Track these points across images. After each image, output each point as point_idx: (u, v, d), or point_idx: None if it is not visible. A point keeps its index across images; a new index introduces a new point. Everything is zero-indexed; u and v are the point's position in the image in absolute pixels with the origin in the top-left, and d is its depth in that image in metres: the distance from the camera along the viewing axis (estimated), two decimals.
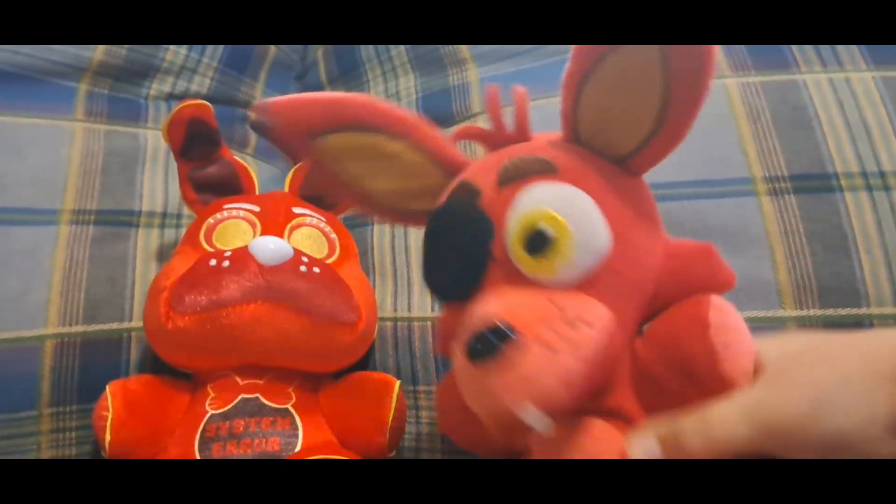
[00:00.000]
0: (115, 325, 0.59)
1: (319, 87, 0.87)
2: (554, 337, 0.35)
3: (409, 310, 0.62)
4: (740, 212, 0.56)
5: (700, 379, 0.35)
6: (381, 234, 0.68)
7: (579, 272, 0.37)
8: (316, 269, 0.54)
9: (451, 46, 0.75)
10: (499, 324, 0.35)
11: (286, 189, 0.65)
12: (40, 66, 0.68)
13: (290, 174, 0.66)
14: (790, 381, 0.33)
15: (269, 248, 0.53)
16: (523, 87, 0.43)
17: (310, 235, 0.59)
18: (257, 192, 0.64)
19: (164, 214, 0.66)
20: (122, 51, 0.72)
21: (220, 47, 0.79)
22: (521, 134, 0.43)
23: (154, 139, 0.70)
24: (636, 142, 0.39)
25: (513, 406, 0.33)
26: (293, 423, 0.52)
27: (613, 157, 0.40)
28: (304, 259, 0.54)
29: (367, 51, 0.82)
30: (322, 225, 0.61)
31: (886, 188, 0.54)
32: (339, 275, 0.57)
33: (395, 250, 0.66)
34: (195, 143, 0.60)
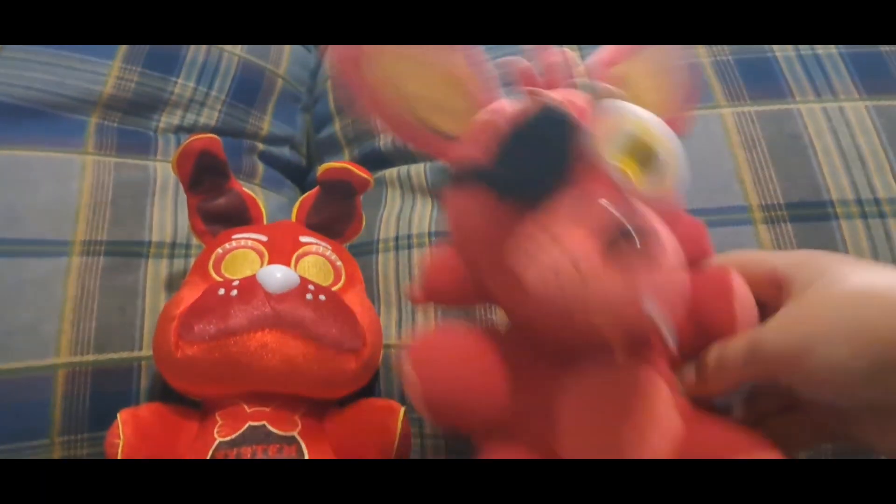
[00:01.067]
0: (125, 354, 0.60)
1: (329, 117, 0.88)
2: (674, 248, 0.36)
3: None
4: (737, 240, 0.56)
5: (717, 333, 0.40)
6: (386, 261, 0.68)
7: (675, 197, 0.37)
8: (322, 297, 0.55)
9: None
10: (647, 227, 0.34)
11: (293, 218, 0.66)
12: (52, 101, 0.70)
13: (297, 204, 0.67)
14: (788, 315, 0.38)
15: (276, 276, 0.54)
16: None
17: (316, 263, 0.60)
18: (265, 222, 0.65)
19: (174, 245, 0.67)
20: (131, 84, 0.74)
21: (229, 80, 0.81)
22: None
23: (163, 171, 0.71)
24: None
25: (650, 303, 0.32)
26: (299, 450, 0.52)
27: None
28: (311, 287, 0.55)
29: None
30: (328, 253, 0.62)
31: (881, 215, 0.55)
32: (345, 302, 0.57)
33: (399, 278, 0.67)
34: (204, 175, 0.62)
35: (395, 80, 0.41)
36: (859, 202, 0.56)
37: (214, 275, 0.57)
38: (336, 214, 0.67)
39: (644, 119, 0.37)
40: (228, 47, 0.82)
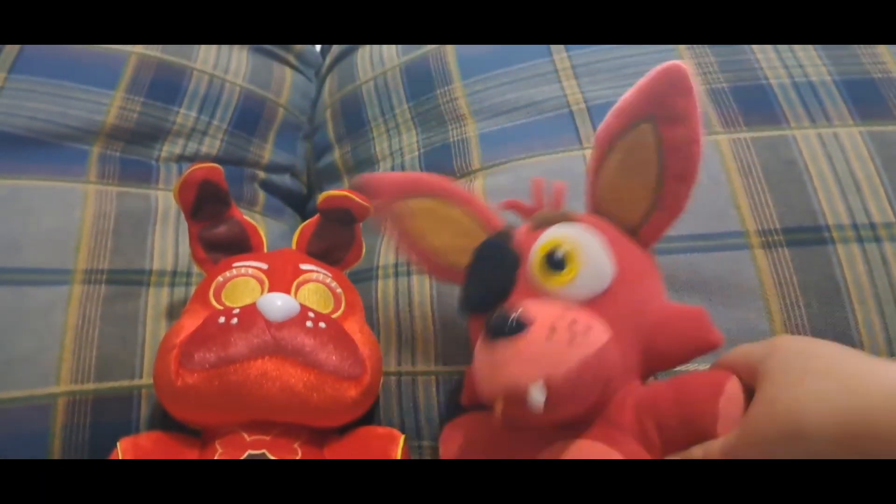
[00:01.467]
0: (125, 383, 0.60)
1: (329, 146, 0.89)
2: (559, 328, 0.41)
3: (413, 364, 0.63)
4: (735, 265, 0.57)
5: (699, 431, 0.40)
6: (385, 288, 0.69)
7: (587, 290, 0.45)
8: (322, 324, 0.55)
9: (450, 103, 0.77)
10: (520, 310, 0.42)
11: (294, 246, 0.67)
12: (55, 131, 0.71)
13: (297, 231, 0.67)
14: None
15: (277, 304, 0.54)
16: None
17: (316, 291, 0.60)
18: (266, 250, 0.65)
19: (175, 273, 0.67)
20: (133, 114, 0.75)
21: (230, 110, 0.82)
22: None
23: (165, 200, 0.72)
24: (640, 216, 0.48)
25: (518, 379, 0.40)
26: None
27: (626, 228, 0.49)
28: (311, 314, 0.55)
29: (372, 110, 0.84)
30: (328, 280, 0.62)
31: (877, 239, 0.56)
32: (345, 329, 0.58)
33: (398, 305, 0.67)
34: (205, 204, 0.62)
35: (425, 235, 0.57)
36: (855, 227, 0.56)
37: (215, 303, 0.58)
38: (336, 242, 0.67)
39: (554, 235, 0.47)
40: (230, 77, 0.83)
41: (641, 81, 0.46)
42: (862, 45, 0.64)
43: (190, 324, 0.56)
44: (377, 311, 0.68)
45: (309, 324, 0.54)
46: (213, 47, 0.84)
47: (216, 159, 0.79)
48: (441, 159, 0.75)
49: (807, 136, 0.60)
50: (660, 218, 0.47)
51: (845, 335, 0.53)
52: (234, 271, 0.60)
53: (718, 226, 0.58)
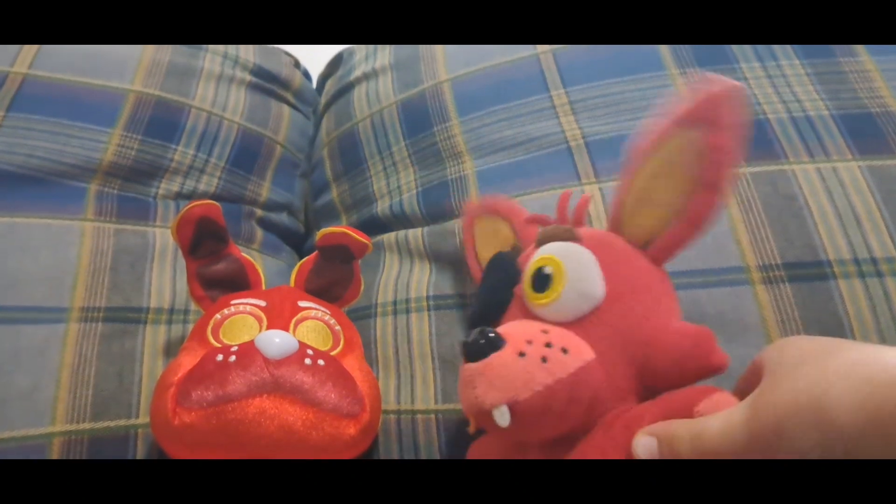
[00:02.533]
0: (122, 422, 0.59)
1: (326, 185, 0.90)
2: (531, 349, 0.42)
3: (413, 402, 0.62)
4: (736, 300, 0.56)
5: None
6: (384, 326, 0.68)
7: (571, 311, 0.45)
8: (321, 362, 0.54)
9: (448, 140, 0.77)
10: (490, 333, 0.43)
11: (292, 283, 0.66)
12: (52, 168, 0.70)
13: (295, 269, 0.67)
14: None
15: (275, 341, 0.53)
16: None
17: (315, 328, 0.60)
18: (264, 287, 0.65)
19: (172, 311, 0.67)
20: (131, 152, 0.75)
21: (228, 147, 0.82)
22: (577, 225, 0.52)
23: (162, 237, 0.71)
24: (661, 224, 0.46)
25: (483, 401, 0.41)
26: None
27: (642, 243, 0.47)
28: (310, 351, 0.55)
29: (369, 148, 0.85)
30: (327, 318, 0.61)
31: (879, 274, 0.55)
32: (344, 367, 0.57)
33: (397, 342, 0.66)
34: (203, 241, 0.62)
35: (481, 248, 0.62)
36: (856, 262, 0.56)
37: (213, 340, 0.57)
38: (334, 279, 0.67)
39: (544, 253, 0.48)
40: (228, 115, 0.83)
41: (699, 93, 0.45)
42: (859, 80, 0.65)
43: (187, 362, 0.55)
44: (376, 348, 0.67)
45: (307, 361, 0.54)
46: (211, 84, 0.84)
47: (214, 197, 0.79)
48: (439, 197, 0.75)
49: (806, 171, 0.61)
50: (678, 230, 0.45)
51: None
52: (232, 309, 0.59)
53: (719, 261, 0.58)
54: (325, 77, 1.03)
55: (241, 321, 0.58)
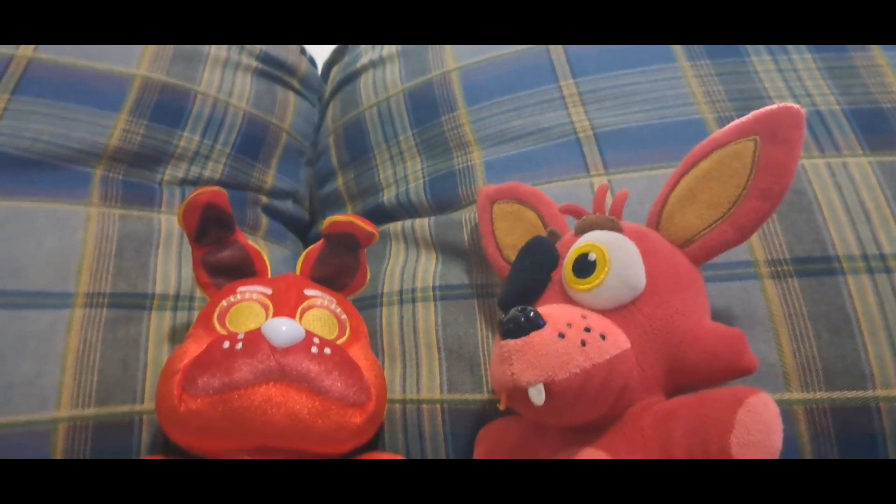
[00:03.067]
0: (126, 408, 0.59)
1: (332, 173, 0.89)
2: (570, 332, 0.42)
3: (419, 392, 0.62)
4: (744, 295, 0.56)
5: (707, 436, 0.39)
6: (390, 315, 0.68)
7: (612, 299, 0.46)
8: (327, 350, 0.54)
9: (455, 130, 0.77)
10: (530, 312, 0.43)
11: (298, 271, 0.66)
12: (57, 153, 0.70)
13: (301, 257, 0.66)
14: None
15: (282, 329, 0.53)
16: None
17: (320, 317, 0.60)
18: (270, 275, 0.65)
19: (177, 297, 0.67)
20: (137, 137, 0.74)
21: (234, 134, 0.82)
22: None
23: (167, 223, 0.71)
24: (705, 224, 0.48)
25: (519, 378, 0.41)
26: None
27: (681, 241, 0.49)
28: (316, 340, 0.54)
29: (375, 137, 0.84)
30: (333, 306, 0.61)
31: (887, 270, 0.55)
32: (350, 356, 0.57)
33: (403, 332, 0.66)
34: (210, 228, 0.62)
35: (503, 233, 0.62)
36: (865, 257, 0.56)
37: (219, 328, 0.57)
38: (340, 267, 0.67)
39: (588, 240, 0.49)
40: (234, 101, 0.83)
41: (760, 110, 0.47)
42: (871, 75, 0.65)
43: (193, 349, 0.55)
44: (382, 337, 0.67)
45: (314, 349, 0.53)
46: (217, 70, 0.84)
47: (219, 183, 0.79)
48: (447, 187, 0.75)
49: (816, 166, 0.60)
50: (722, 231, 0.47)
51: (856, 367, 0.53)
52: (239, 296, 0.59)
53: (728, 255, 0.57)
54: (330, 64, 1.03)
55: (248, 309, 0.58)
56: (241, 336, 0.53)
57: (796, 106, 0.46)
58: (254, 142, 0.84)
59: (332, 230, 0.65)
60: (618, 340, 0.44)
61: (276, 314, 0.57)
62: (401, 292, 0.69)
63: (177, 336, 0.64)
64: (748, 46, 0.69)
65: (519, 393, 0.42)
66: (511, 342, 0.42)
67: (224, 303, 0.59)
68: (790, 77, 0.66)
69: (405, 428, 0.62)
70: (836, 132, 0.62)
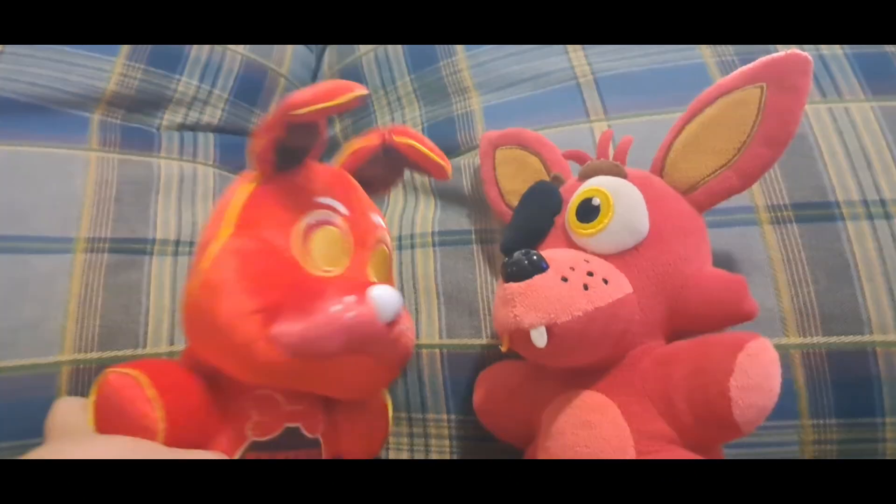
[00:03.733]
0: (129, 352, 0.60)
1: (329, 119, 0.88)
2: (573, 275, 0.42)
3: (418, 337, 0.63)
4: (743, 240, 0.57)
5: (706, 379, 0.40)
6: None
7: (615, 243, 0.46)
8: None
9: (454, 75, 0.76)
10: (534, 255, 0.43)
11: (340, 163, 0.55)
12: (55, 97, 0.69)
13: (349, 150, 0.56)
14: None
15: (394, 304, 0.45)
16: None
17: (383, 259, 0.52)
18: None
19: (178, 242, 0.67)
20: (135, 81, 0.74)
21: (231, 79, 0.81)
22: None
23: (167, 168, 0.71)
24: (709, 170, 0.48)
25: (522, 320, 0.41)
26: (319, 455, 0.48)
27: (685, 187, 0.49)
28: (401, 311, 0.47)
29: (372, 82, 0.83)
30: (388, 240, 0.54)
31: (887, 216, 0.55)
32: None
33: (402, 277, 0.67)
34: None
35: (505, 179, 0.62)
36: (865, 203, 0.56)
37: (304, 255, 0.46)
38: (384, 179, 0.60)
39: (593, 185, 0.49)
40: (231, 46, 0.82)
41: (766, 56, 0.47)
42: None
43: (254, 265, 0.44)
44: None
45: (403, 327, 0.47)
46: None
47: (218, 129, 0.79)
48: (445, 133, 0.74)
49: (817, 111, 0.60)
50: (726, 178, 0.47)
51: (853, 312, 0.53)
52: (321, 215, 0.48)
53: (728, 201, 0.57)
54: None
55: (333, 238, 0.48)
56: (350, 300, 0.44)
57: (804, 53, 0.46)
58: (252, 87, 0.83)
59: (405, 150, 0.55)
60: (620, 285, 0.44)
61: (356, 253, 0.49)
62: (399, 238, 0.69)
63: (178, 281, 0.64)
64: None
65: (521, 335, 0.42)
66: (514, 285, 0.42)
67: (309, 219, 0.47)
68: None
69: (404, 373, 0.62)
70: (838, 76, 0.62)
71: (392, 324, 0.44)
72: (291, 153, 0.48)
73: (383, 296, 0.44)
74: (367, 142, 0.55)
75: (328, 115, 0.44)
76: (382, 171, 0.58)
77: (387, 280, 0.51)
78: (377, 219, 0.52)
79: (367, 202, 0.53)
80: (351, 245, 0.48)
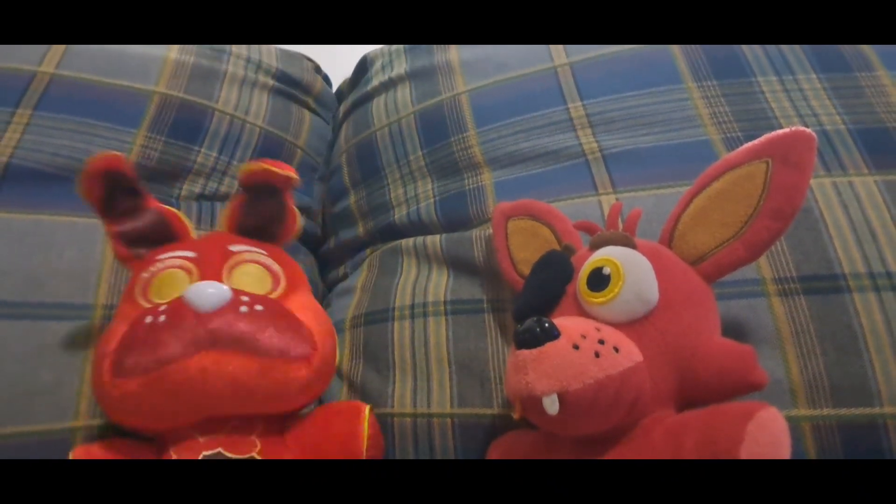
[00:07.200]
0: None
1: (344, 191, 0.90)
2: (584, 343, 0.43)
3: (429, 406, 0.63)
4: (752, 313, 0.57)
5: (717, 449, 0.39)
6: (402, 329, 0.69)
7: (625, 312, 0.47)
8: (259, 307, 0.52)
9: (464, 151, 0.78)
10: (546, 322, 0.43)
11: (222, 227, 0.63)
12: (77, 167, 0.70)
13: (225, 211, 0.64)
14: None
15: (208, 292, 0.50)
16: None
17: (251, 272, 0.57)
18: (193, 237, 0.62)
19: None
20: (155, 153, 0.76)
21: (250, 150, 0.83)
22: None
23: None
24: (717, 242, 0.49)
25: (534, 387, 0.42)
26: None
27: (693, 258, 0.50)
28: (245, 298, 0.52)
29: (386, 156, 0.85)
30: (263, 259, 0.59)
31: (894, 288, 0.55)
32: (287, 308, 0.55)
33: (414, 346, 0.67)
34: (117, 198, 0.58)
35: (517, 248, 0.62)
36: (871, 275, 0.56)
37: (143, 301, 0.54)
38: (267, 216, 0.63)
39: (603, 254, 0.50)
40: (251, 118, 0.84)
41: (771, 133, 0.49)
42: (876, 94, 0.65)
43: (120, 328, 0.52)
44: (393, 351, 0.68)
45: (243, 308, 0.51)
46: (235, 88, 0.85)
47: None
48: (457, 207, 0.76)
49: (822, 185, 0.61)
50: (734, 250, 0.48)
51: (863, 385, 0.53)
52: (159, 265, 0.56)
53: (735, 273, 0.58)
54: (344, 88, 1.04)
55: (170, 277, 0.55)
56: (163, 307, 0.50)
57: (808, 130, 0.47)
58: (269, 158, 0.84)
59: (249, 180, 0.61)
60: (631, 353, 0.44)
61: (201, 278, 0.54)
62: (412, 307, 0.69)
63: None
64: (754, 65, 0.70)
65: (533, 402, 0.43)
66: (526, 352, 0.43)
67: (145, 274, 0.56)
68: (796, 97, 0.67)
69: (416, 442, 0.62)
70: (841, 151, 0.63)
71: (217, 313, 0.49)
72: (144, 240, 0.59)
73: (193, 288, 0.50)
74: (233, 198, 0.62)
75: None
76: (261, 211, 0.63)
77: (258, 289, 0.55)
78: (238, 247, 0.58)
79: (225, 241, 0.59)
80: (195, 275, 0.54)
